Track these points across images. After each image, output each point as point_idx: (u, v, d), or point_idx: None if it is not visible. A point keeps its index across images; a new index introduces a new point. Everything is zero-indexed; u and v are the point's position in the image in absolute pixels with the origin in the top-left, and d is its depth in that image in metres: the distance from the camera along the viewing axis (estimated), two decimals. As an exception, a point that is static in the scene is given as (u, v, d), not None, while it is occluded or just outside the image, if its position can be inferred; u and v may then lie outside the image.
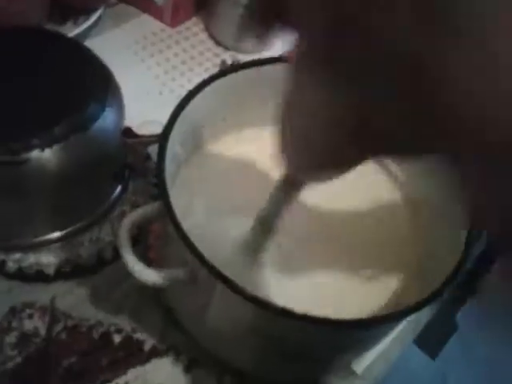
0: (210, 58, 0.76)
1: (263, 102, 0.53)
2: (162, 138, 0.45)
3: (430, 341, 0.83)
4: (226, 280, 0.40)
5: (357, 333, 0.43)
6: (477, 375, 0.92)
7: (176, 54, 0.76)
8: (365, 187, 0.55)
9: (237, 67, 0.51)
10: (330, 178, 0.35)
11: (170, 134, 0.45)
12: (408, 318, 0.58)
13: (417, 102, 0.24)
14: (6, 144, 0.48)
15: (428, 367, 0.86)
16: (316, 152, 0.32)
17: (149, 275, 0.43)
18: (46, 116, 0.50)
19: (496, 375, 0.92)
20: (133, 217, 0.45)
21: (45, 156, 0.49)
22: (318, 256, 0.51)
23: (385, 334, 0.49)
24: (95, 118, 0.51)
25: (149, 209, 0.46)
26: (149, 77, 0.73)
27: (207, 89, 0.50)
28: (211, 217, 0.52)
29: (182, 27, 0.79)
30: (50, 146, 0.49)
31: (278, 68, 0.51)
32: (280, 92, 0.32)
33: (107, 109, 0.52)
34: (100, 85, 0.54)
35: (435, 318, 0.71)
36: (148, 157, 0.63)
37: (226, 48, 0.77)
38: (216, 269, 0.40)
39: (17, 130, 0.49)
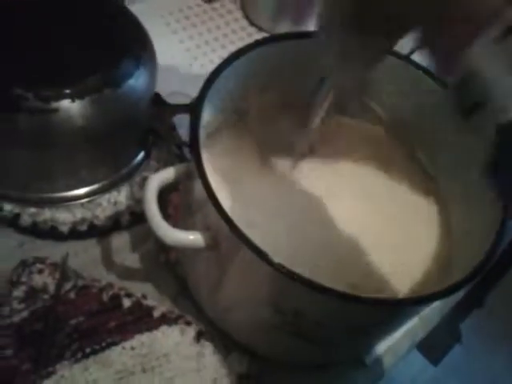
0: (243, 38, 0.75)
1: (296, 75, 0.54)
2: (199, 95, 0.44)
3: (433, 347, 0.81)
4: (251, 244, 0.39)
5: (381, 312, 0.42)
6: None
7: (209, 30, 0.75)
8: (396, 177, 0.55)
9: (270, 39, 0.51)
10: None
11: (206, 94, 0.45)
12: (419, 317, 0.58)
13: None
14: (37, 91, 0.47)
15: (427, 373, 0.85)
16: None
17: (173, 235, 0.42)
18: (80, 68, 0.50)
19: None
20: (163, 174, 0.44)
21: (75, 107, 0.48)
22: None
23: (405, 319, 0.48)
24: (129, 76, 0.51)
25: (178, 169, 0.45)
26: (180, 49, 0.72)
27: (242, 58, 0.49)
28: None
29: (217, 4, 0.78)
30: (81, 97, 0.48)
31: (307, 43, 0.51)
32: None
33: (141, 68, 0.52)
34: (137, 44, 0.53)
35: (440, 325, 0.70)
36: (173, 127, 0.62)
37: (260, 28, 0.77)
38: (241, 231, 0.39)
39: (50, 78, 0.49)
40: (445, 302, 0.61)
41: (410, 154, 0.57)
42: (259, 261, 0.38)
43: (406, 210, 0.54)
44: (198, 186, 0.41)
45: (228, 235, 0.39)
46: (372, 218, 0.52)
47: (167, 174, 0.44)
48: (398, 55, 0.52)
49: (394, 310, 0.41)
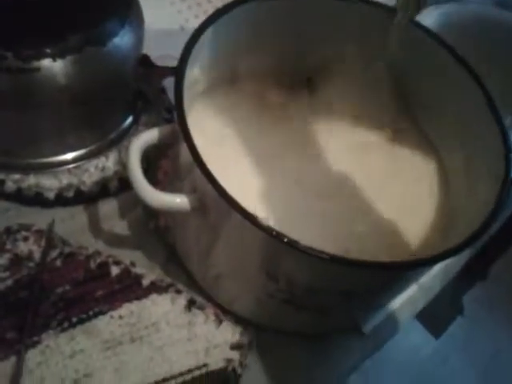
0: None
1: (286, 34, 0.52)
2: (183, 54, 0.42)
3: (435, 320, 0.80)
4: (238, 207, 0.37)
5: (372, 277, 0.40)
6: (478, 361, 0.89)
7: (202, -9, 0.72)
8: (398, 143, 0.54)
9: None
10: None
11: (192, 48, 0.42)
12: (419, 286, 0.56)
13: None
14: (17, 50, 0.45)
15: (428, 345, 0.83)
16: None
17: (158, 197, 0.40)
18: (62, 25, 0.47)
19: (497, 363, 0.89)
20: (146, 135, 0.42)
21: (56, 66, 0.46)
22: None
23: (398, 286, 0.46)
24: (113, 34, 0.48)
25: (162, 129, 0.43)
26: (171, 11, 0.70)
27: (229, 15, 0.47)
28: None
29: (210, -36, 0.75)
30: (62, 56, 0.46)
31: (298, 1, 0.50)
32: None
33: (127, 27, 0.49)
34: (122, 2, 0.51)
35: (442, 296, 0.68)
36: (163, 90, 0.60)
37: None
38: (228, 193, 0.37)
39: (30, 36, 0.46)
40: (445, 272, 0.59)
41: (413, 122, 0.55)
42: (248, 224, 0.37)
43: (406, 176, 0.53)
44: (184, 149, 0.39)
45: (215, 197, 0.38)
46: (370, 182, 0.50)
47: (151, 135, 0.43)
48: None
49: (385, 274, 0.40)
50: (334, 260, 0.36)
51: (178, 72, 0.42)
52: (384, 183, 0.51)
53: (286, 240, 0.36)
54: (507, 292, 0.99)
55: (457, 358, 0.88)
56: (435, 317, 0.79)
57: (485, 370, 0.86)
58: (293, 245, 0.36)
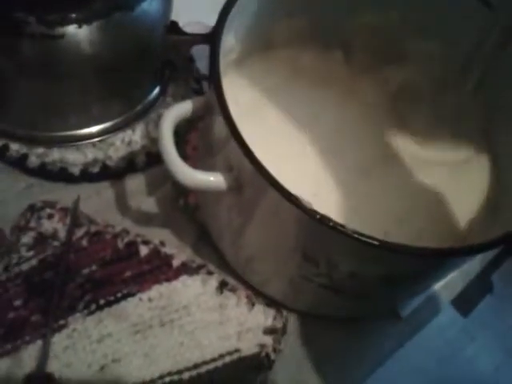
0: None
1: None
2: (218, 20, 0.39)
3: (463, 298, 0.77)
4: (278, 185, 0.34)
5: (421, 263, 0.37)
6: (506, 339, 0.85)
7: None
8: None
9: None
10: None
11: (227, 17, 0.39)
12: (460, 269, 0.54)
13: None
14: (40, 15, 0.42)
15: (456, 324, 0.80)
16: None
17: (192, 175, 0.38)
18: (87, -11, 0.44)
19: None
20: (179, 108, 0.39)
21: (82, 33, 0.43)
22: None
23: (446, 272, 0.43)
24: (141, -1, 0.45)
25: (195, 102, 0.40)
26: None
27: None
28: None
29: None
30: (88, 22, 0.43)
31: None
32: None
33: (156, -11, 0.46)
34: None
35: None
36: (191, 58, 0.57)
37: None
38: (267, 170, 0.34)
39: (55, 1, 0.43)
40: (484, 254, 0.56)
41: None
42: (288, 204, 0.34)
43: (455, 157, 0.50)
44: (219, 121, 0.36)
45: (253, 175, 0.35)
46: (416, 161, 0.47)
47: (184, 108, 0.40)
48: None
49: (434, 261, 0.37)
50: (384, 246, 0.34)
51: (214, 40, 0.39)
52: (430, 165, 0.48)
53: (331, 224, 0.33)
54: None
55: (484, 336, 0.85)
56: (464, 296, 0.76)
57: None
58: (339, 229, 0.33)
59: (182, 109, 0.40)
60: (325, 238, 0.36)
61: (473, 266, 0.55)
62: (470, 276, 0.56)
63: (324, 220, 0.34)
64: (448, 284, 0.53)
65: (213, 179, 0.38)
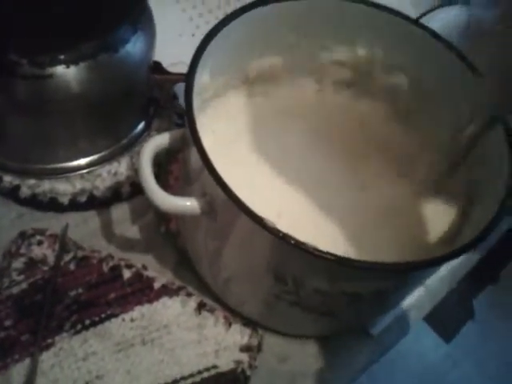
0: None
1: (296, 37, 0.53)
2: (193, 60, 0.43)
3: (445, 324, 0.80)
4: (243, 206, 0.37)
5: (376, 278, 0.40)
6: (489, 366, 0.89)
7: (212, -1, 0.73)
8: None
9: (266, 0, 0.49)
10: None
11: (200, 57, 0.43)
12: (426, 288, 0.57)
13: None
14: (32, 57, 0.46)
15: (439, 350, 0.83)
16: None
17: (167, 200, 0.41)
18: (75, 33, 0.48)
19: (509, 368, 0.89)
20: (157, 139, 0.43)
21: (70, 73, 0.47)
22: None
23: (404, 288, 0.46)
24: (126, 41, 0.49)
25: (173, 134, 0.44)
26: (182, 18, 0.70)
27: (238, 20, 0.47)
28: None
29: (221, -28, 0.76)
30: (76, 62, 0.47)
31: (309, 3, 0.50)
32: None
33: (139, 33, 0.50)
34: (134, 9, 0.52)
35: (452, 301, 0.68)
36: (174, 96, 0.61)
37: (265, -4, 0.75)
38: (236, 195, 0.37)
39: (44, 43, 0.47)
40: (452, 275, 0.59)
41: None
42: (255, 226, 0.37)
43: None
44: (194, 152, 0.40)
45: (223, 199, 0.38)
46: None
47: (162, 140, 0.43)
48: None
49: (388, 275, 0.40)
50: (339, 261, 0.37)
51: (188, 78, 0.43)
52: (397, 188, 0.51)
53: (292, 242, 0.37)
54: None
55: (468, 363, 0.88)
56: (446, 321, 0.79)
57: (496, 374, 0.86)
58: (299, 246, 0.37)
59: (160, 140, 0.44)
60: (290, 256, 0.39)
61: (439, 285, 0.58)
62: (438, 295, 0.58)
63: (286, 238, 0.37)
64: (416, 303, 0.56)
65: (188, 203, 0.42)
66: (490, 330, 0.91)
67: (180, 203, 0.41)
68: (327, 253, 0.36)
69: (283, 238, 0.37)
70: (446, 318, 0.77)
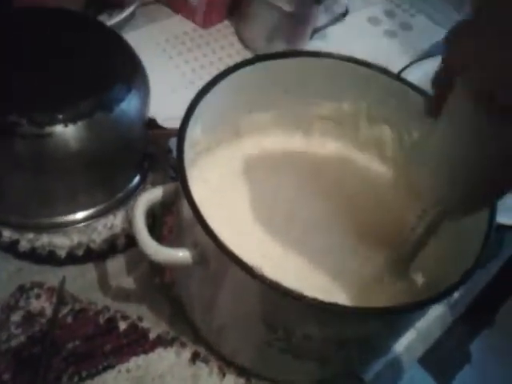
0: (238, 61, 0.76)
1: (285, 94, 0.55)
2: (184, 118, 0.45)
3: (442, 368, 0.80)
4: (235, 257, 0.39)
5: (371, 322, 0.42)
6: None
7: (205, 55, 0.76)
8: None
9: (254, 60, 0.52)
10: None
11: (191, 114, 0.45)
12: (417, 332, 0.58)
13: None
14: (30, 116, 0.48)
15: (436, 395, 0.83)
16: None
17: (160, 251, 0.43)
18: (72, 93, 0.51)
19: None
20: (151, 193, 0.45)
21: (68, 131, 0.49)
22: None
23: (391, 333, 0.47)
24: (120, 100, 0.52)
25: (166, 188, 0.45)
26: (176, 74, 0.73)
27: (228, 79, 0.50)
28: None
29: (212, 29, 0.80)
30: (73, 121, 0.49)
31: (294, 62, 0.53)
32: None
33: (133, 92, 0.53)
34: (128, 69, 0.54)
35: (448, 345, 0.69)
36: (169, 150, 0.63)
37: (255, 52, 0.78)
38: (226, 246, 0.39)
39: (43, 103, 0.50)
40: (443, 318, 0.60)
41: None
42: (245, 275, 0.39)
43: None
44: (185, 204, 0.42)
45: (214, 250, 0.40)
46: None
47: (155, 194, 0.45)
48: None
49: (374, 320, 0.41)
50: (326, 307, 0.38)
51: (180, 135, 0.44)
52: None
53: (279, 288, 0.38)
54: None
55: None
56: (442, 365, 0.80)
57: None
58: (287, 293, 0.38)
59: (153, 194, 0.45)
60: (279, 303, 0.41)
61: (431, 329, 0.59)
62: (430, 339, 0.59)
63: (275, 286, 0.38)
64: (407, 347, 0.57)
65: (180, 255, 0.43)
66: (486, 375, 0.92)
67: (172, 254, 0.43)
68: (314, 299, 0.38)
69: (272, 286, 0.38)
70: (443, 363, 0.77)
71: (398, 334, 0.48)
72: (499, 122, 0.34)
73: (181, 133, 0.45)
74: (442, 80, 0.39)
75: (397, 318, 0.43)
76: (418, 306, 0.40)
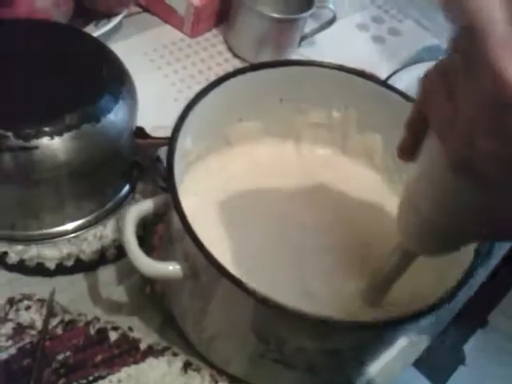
0: (227, 70, 0.76)
1: (274, 103, 0.55)
2: (174, 129, 0.45)
3: (436, 369, 0.80)
4: (225, 271, 0.39)
5: (361, 335, 0.42)
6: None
7: (194, 64, 0.77)
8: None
9: (246, 69, 0.52)
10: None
11: (181, 125, 0.46)
12: (410, 339, 0.58)
13: None
14: (17, 130, 0.48)
15: (431, 396, 0.83)
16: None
17: (151, 265, 0.43)
18: (59, 105, 0.51)
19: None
20: (141, 206, 0.45)
21: (55, 144, 0.49)
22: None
23: (379, 343, 0.47)
24: (107, 111, 0.52)
25: (156, 200, 0.46)
26: (165, 84, 0.74)
27: (218, 89, 0.50)
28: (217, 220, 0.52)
29: (201, 38, 0.80)
30: (60, 134, 0.49)
31: (284, 70, 0.53)
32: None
33: (120, 102, 0.53)
34: (115, 80, 0.54)
35: (442, 346, 0.69)
36: (158, 159, 0.63)
37: (244, 60, 0.78)
38: (216, 259, 0.39)
39: (30, 117, 0.50)
40: (435, 325, 0.60)
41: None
42: (235, 288, 0.39)
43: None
44: (175, 217, 0.42)
45: (204, 264, 0.40)
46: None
47: (146, 206, 0.45)
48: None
49: (362, 333, 0.41)
50: (318, 322, 0.38)
51: (170, 147, 0.45)
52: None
53: (269, 302, 0.38)
54: (509, 340, 0.99)
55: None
56: (437, 366, 0.80)
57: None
58: (276, 307, 0.38)
59: (143, 206, 0.46)
60: (269, 316, 0.41)
61: (422, 336, 0.59)
62: (421, 345, 0.59)
63: (265, 301, 0.38)
64: (399, 354, 0.57)
65: (171, 268, 0.43)
66: (481, 375, 0.92)
67: (163, 268, 0.43)
68: (301, 313, 0.38)
69: (262, 300, 0.38)
70: (437, 364, 0.78)
71: (388, 344, 0.49)
72: (473, 184, 0.31)
73: (171, 145, 0.45)
74: (415, 124, 0.36)
75: (388, 330, 0.43)
76: (410, 320, 0.40)
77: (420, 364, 0.66)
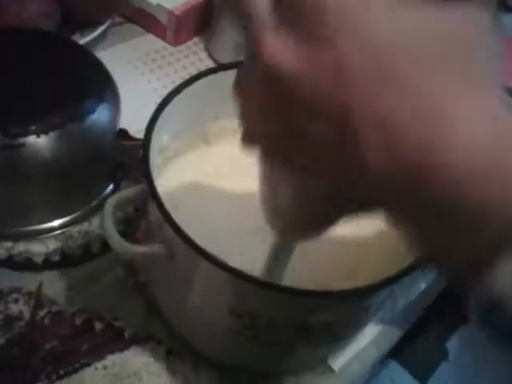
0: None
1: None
2: (149, 123, 0.48)
3: (419, 365, 0.83)
4: (201, 250, 0.41)
5: (326, 306, 0.44)
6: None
7: (176, 71, 0.80)
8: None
9: (217, 69, 0.55)
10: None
11: (157, 119, 0.48)
12: (384, 324, 0.60)
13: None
14: (4, 128, 0.51)
15: (414, 392, 0.85)
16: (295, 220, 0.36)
17: (127, 248, 0.45)
18: (44, 105, 0.53)
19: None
20: (120, 194, 0.47)
21: (40, 142, 0.52)
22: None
23: (356, 319, 0.50)
24: (91, 111, 0.54)
25: (135, 189, 0.48)
26: (148, 90, 0.76)
27: (191, 87, 0.52)
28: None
29: (183, 46, 0.83)
30: (45, 132, 0.52)
31: None
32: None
33: (104, 103, 0.55)
34: (98, 83, 0.57)
35: (425, 342, 0.71)
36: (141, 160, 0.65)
37: (224, 66, 0.81)
38: (192, 240, 0.41)
39: (17, 116, 0.52)
40: (408, 311, 0.63)
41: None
42: (207, 263, 0.41)
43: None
44: (153, 206, 0.44)
45: (181, 246, 0.42)
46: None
47: (124, 194, 0.48)
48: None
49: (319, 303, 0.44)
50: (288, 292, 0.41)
51: (145, 141, 0.47)
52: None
53: (234, 272, 0.40)
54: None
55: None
56: (420, 362, 0.82)
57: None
58: (240, 276, 0.40)
59: (122, 194, 0.48)
60: (240, 288, 0.43)
61: (397, 321, 0.62)
62: (396, 331, 0.62)
63: (228, 269, 0.40)
64: (373, 340, 0.59)
65: (147, 248, 0.46)
66: (464, 370, 0.94)
67: (140, 248, 0.46)
68: (275, 285, 0.40)
69: (227, 269, 0.40)
70: (420, 360, 0.80)
71: (356, 322, 0.51)
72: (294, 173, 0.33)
73: (146, 138, 0.48)
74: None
75: (352, 303, 0.45)
76: (380, 286, 0.43)
77: (404, 360, 0.68)
